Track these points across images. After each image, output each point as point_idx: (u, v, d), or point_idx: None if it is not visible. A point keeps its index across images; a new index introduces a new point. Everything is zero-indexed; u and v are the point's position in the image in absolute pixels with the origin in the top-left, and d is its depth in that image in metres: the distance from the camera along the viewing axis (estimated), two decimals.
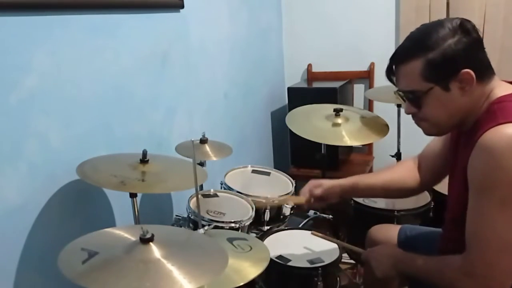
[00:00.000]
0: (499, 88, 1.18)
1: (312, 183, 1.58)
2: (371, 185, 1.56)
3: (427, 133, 1.29)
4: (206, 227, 1.41)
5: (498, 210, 1.08)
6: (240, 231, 1.64)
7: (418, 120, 1.26)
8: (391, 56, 1.23)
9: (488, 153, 1.08)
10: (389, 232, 1.65)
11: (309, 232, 1.76)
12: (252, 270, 1.26)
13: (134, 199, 1.47)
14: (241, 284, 1.21)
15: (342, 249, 1.67)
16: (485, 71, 1.18)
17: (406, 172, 1.54)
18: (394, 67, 1.23)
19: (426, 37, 1.16)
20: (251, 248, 1.38)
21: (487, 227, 1.11)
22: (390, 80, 1.25)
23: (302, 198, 1.59)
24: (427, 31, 1.17)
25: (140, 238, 1.02)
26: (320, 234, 1.66)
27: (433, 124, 1.24)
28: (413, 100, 1.22)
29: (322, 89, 2.96)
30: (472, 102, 1.17)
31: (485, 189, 1.10)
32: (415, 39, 1.20)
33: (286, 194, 1.92)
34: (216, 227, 1.59)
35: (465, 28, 1.14)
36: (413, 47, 1.18)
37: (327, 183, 1.56)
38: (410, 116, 1.28)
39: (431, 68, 1.15)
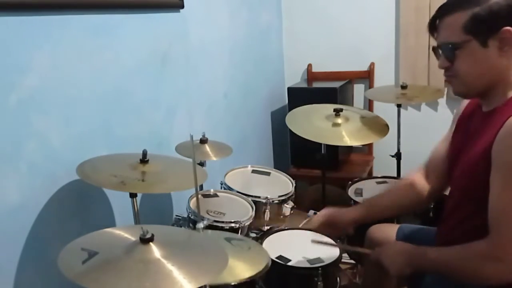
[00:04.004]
0: None
1: (324, 219, 1.60)
2: (382, 209, 1.59)
3: (455, 91, 1.27)
4: (205, 221, 1.39)
5: None
6: (240, 231, 1.65)
7: (449, 77, 1.26)
8: (438, 8, 1.24)
9: None
10: (388, 231, 1.65)
11: (309, 232, 1.76)
12: (252, 268, 1.27)
13: (134, 199, 1.47)
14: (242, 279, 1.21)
15: (343, 249, 1.67)
16: None
17: (412, 189, 1.54)
18: (438, 20, 1.23)
19: None
20: (250, 248, 1.38)
21: None
22: (431, 33, 1.26)
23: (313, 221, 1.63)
24: None
25: (140, 238, 1.02)
26: (322, 241, 1.67)
27: (463, 81, 1.23)
28: (448, 53, 1.22)
29: (322, 89, 2.96)
30: (507, 68, 1.17)
31: None
32: None
33: (285, 195, 1.92)
34: (215, 227, 1.59)
35: None
36: (462, 0, 1.18)
37: (339, 220, 1.58)
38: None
39: (474, 21, 1.15)
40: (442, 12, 1.22)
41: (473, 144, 1.22)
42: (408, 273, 1.35)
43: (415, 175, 1.56)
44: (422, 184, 1.53)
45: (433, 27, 1.25)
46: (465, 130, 1.33)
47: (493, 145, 1.12)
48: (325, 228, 1.61)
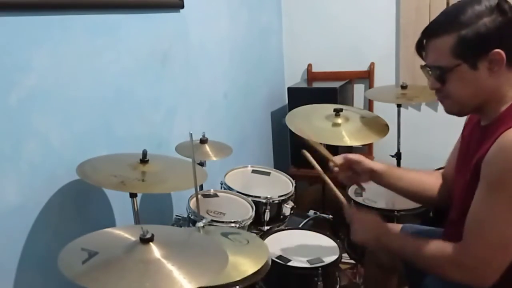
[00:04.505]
0: None
1: (346, 159, 1.56)
2: (399, 177, 1.53)
3: (448, 111, 1.27)
4: (204, 220, 1.39)
5: (506, 208, 1.08)
6: None
7: (441, 97, 1.25)
8: (423, 30, 1.22)
9: (509, 150, 1.07)
10: None
11: (309, 232, 1.75)
12: (254, 262, 1.28)
13: (134, 199, 1.47)
14: (248, 274, 1.21)
15: (342, 249, 1.67)
16: None
17: (432, 181, 1.52)
18: (425, 41, 1.22)
19: (461, 13, 1.14)
20: (248, 242, 1.39)
21: (490, 223, 1.11)
22: (419, 54, 1.25)
23: (335, 157, 1.56)
24: (463, 7, 1.15)
25: (140, 238, 1.02)
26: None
27: (455, 102, 1.22)
28: (438, 76, 1.21)
29: (322, 89, 2.96)
30: (498, 87, 1.16)
31: (499, 186, 1.09)
32: (450, 14, 1.18)
33: (285, 195, 1.92)
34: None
35: (502, 7, 1.13)
36: (447, 22, 1.17)
37: (360, 163, 1.53)
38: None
39: (462, 45, 1.14)
40: (429, 34, 1.21)
41: (469, 161, 1.23)
42: (373, 246, 1.35)
43: (437, 175, 1.54)
44: (437, 185, 1.52)
45: (420, 47, 1.24)
46: (466, 146, 1.33)
47: (484, 159, 1.13)
48: (344, 169, 1.56)
